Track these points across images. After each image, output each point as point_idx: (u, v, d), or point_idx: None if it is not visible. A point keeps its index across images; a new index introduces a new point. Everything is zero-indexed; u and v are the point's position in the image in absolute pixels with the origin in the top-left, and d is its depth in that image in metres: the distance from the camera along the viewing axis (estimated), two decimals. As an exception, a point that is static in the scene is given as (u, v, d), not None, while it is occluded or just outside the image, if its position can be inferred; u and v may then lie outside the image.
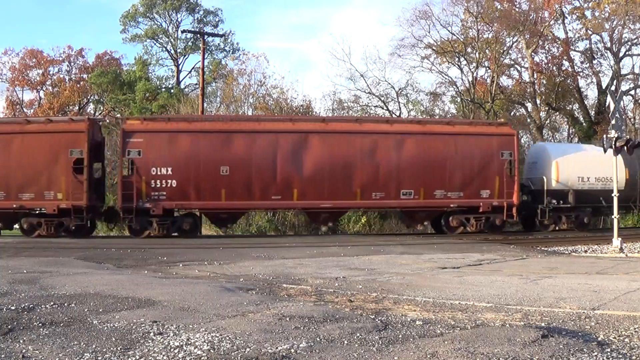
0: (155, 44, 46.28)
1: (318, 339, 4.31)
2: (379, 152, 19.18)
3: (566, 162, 20.80)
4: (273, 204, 19.66)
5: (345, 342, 4.26)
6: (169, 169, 18.12)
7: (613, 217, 14.57)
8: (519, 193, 19.68)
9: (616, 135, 14.09)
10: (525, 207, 20.72)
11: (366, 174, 19.02)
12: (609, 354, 3.96)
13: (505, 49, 37.38)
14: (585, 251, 15.04)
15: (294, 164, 18.75)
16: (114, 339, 4.27)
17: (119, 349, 4.01)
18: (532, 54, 36.67)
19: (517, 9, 36.73)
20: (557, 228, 20.70)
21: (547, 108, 39.11)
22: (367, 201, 19.44)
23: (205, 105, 32.31)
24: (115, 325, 4.75)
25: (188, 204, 18.74)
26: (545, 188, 20.32)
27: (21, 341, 4.22)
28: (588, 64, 37.90)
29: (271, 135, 18.94)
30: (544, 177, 20.46)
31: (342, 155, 18.92)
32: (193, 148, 18.40)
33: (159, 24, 46.27)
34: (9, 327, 4.64)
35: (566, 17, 37.24)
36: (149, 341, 4.23)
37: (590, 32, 36.60)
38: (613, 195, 14.55)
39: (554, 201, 20.35)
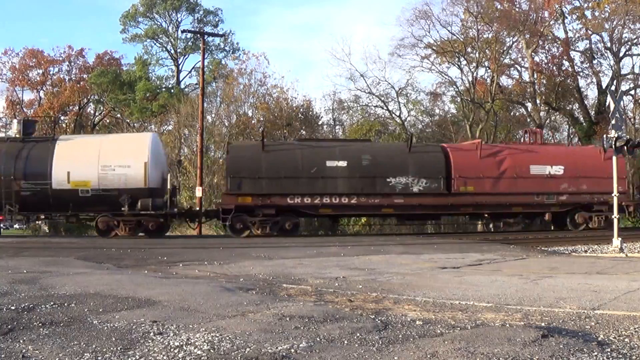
0: (155, 43, 46.35)
1: (318, 339, 4.31)
2: None
3: None
4: None
5: (345, 342, 4.25)
6: None
7: (614, 217, 14.54)
8: None
9: (616, 135, 14.10)
10: None
11: None
12: (609, 353, 3.95)
13: (505, 49, 37.42)
14: (585, 251, 15.02)
15: None
16: (114, 339, 4.27)
17: (119, 349, 4.01)
18: (532, 54, 36.69)
19: (517, 9, 36.75)
20: None
21: (547, 108, 39.12)
22: None
23: (205, 105, 32.32)
24: (115, 325, 4.75)
25: None
26: None
27: (21, 341, 4.21)
28: (588, 64, 37.94)
29: None
30: None
31: None
32: None
33: (159, 23, 46.33)
34: (9, 327, 4.64)
35: (566, 17, 37.31)
36: (149, 341, 4.23)
37: (590, 32, 36.65)
38: (613, 195, 14.51)
39: None
